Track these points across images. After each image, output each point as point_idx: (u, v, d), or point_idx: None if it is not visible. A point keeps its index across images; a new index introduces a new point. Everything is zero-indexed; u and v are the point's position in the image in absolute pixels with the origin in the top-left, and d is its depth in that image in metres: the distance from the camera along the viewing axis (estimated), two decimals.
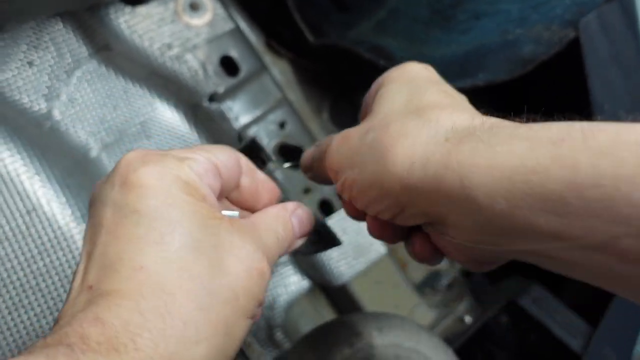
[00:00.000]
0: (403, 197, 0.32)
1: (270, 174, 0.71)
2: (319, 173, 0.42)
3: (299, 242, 0.41)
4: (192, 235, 0.29)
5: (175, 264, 0.28)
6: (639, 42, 0.63)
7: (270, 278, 0.33)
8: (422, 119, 0.33)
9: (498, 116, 0.36)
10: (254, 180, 0.40)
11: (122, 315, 0.26)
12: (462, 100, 0.38)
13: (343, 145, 0.37)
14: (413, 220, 0.34)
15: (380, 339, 0.53)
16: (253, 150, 0.53)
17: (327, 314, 0.83)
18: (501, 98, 0.93)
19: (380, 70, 0.71)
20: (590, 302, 0.74)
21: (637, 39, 0.63)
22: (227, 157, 0.36)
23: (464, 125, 0.31)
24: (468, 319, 0.78)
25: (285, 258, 0.78)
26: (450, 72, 0.71)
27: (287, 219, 0.38)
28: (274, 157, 0.51)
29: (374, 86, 0.41)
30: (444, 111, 0.33)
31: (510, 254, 0.31)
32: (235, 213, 0.36)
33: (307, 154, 0.44)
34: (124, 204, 0.29)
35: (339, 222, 0.74)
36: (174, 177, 0.30)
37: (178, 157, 0.32)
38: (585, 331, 0.69)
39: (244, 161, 0.39)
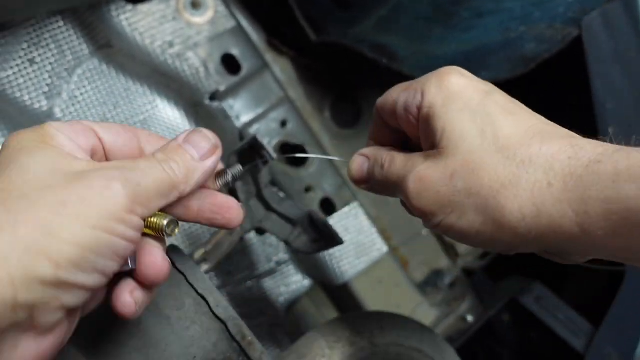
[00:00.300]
0: (515, 243, 0.35)
1: (271, 171, 0.71)
2: (379, 190, 0.44)
3: (210, 163, 0.38)
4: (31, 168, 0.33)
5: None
6: None
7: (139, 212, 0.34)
8: (510, 161, 0.34)
9: None
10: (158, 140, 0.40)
11: None
12: (530, 115, 0.38)
13: (426, 190, 0.37)
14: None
15: (382, 338, 0.52)
16: (254, 148, 0.53)
17: (328, 313, 0.82)
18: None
19: (382, 69, 0.71)
20: (593, 301, 0.74)
21: (639, 37, 0.62)
22: (111, 127, 0.38)
23: (561, 161, 0.33)
24: (470, 317, 0.78)
25: (286, 257, 0.78)
26: None
27: (173, 151, 0.37)
28: (275, 155, 0.51)
29: (415, 108, 0.39)
30: (530, 146, 0.34)
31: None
32: None
33: (359, 166, 0.44)
34: None
35: (341, 221, 0.74)
36: (31, 133, 0.35)
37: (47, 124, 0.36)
38: (587, 330, 0.69)
39: (144, 133, 0.40)
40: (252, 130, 0.71)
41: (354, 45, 0.69)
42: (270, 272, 0.78)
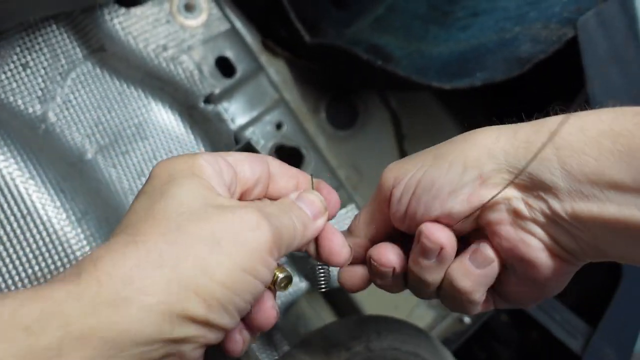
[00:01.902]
0: (489, 164, 0.35)
1: None
2: (379, 222, 0.44)
3: (320, 222, 0.42)
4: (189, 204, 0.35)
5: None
6: (638, 41, 0.62)
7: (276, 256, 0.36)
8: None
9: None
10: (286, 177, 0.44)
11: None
12: None
13: (402, 162, 0.41)
14: (490, 193, 0.35)
15: (379, 343, 0.52)
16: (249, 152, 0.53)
17: (325, 316, 0.82)
18: (499, 97, 0.92)
19: (377, 70, 0.71)
20: (590, 302, 0.73)
21: (636, 37, 0.62)
22: (245, 158, 0.41)
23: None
24: (467, 319, 0.78)
25: (283, 260, 0.77)
26: (448, 71, 0.71)
27: (290, 205, 0.40)
28: None
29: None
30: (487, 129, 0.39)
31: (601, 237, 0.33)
32: None
33: (356, 223, 0.47)
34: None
35: (338, 223, 0.74)
36: (181, 164, 0.37)
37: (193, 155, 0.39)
38: (584, 331, 0.68)
39: (275, 165, 0.43)
40: (247, 132, 0.71)
41: (348, 46, 0.69)
42: None
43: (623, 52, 0.62)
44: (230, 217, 0.34)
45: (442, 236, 0.37)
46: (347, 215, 0.74)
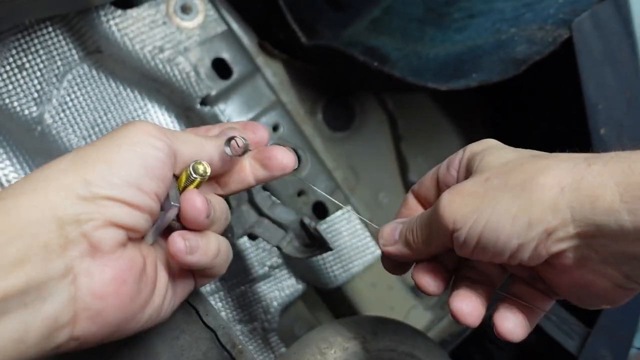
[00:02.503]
0: (552, 224, 0.34)
1: None
2: (422, 246, 0.42)
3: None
4: None
5: None
6: (632, 42, 0.63)
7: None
8: (545, 158, 0.36)
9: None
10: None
11: None
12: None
13: (459, 194, 0.37)
14: (557, 247, 0.35)
15: (375, 343, 0.52)
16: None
17: (323, 318, 0.82)
18: (494, 98, 0.92)
19: (373, 72, 0.71)
20: None
21: (630, 38, 0.62)
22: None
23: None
24: None
25: (280, 262, 0.77)
26: (444, 72, 0.71)
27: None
28: None
29: (457, 159, 0.44)
30: (554, 156, 0.37)
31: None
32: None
33: (391, 230, 0.44)
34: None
35: (334, 225, 0.74)
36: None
37: None
38: (581, 332, 0.68)
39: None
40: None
41: (345, 48, 0.69)
42: (264, 277, 0.78)
43: (618, 54, 0.62)
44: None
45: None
46: (344, 217, 0.74)
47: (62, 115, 0.70)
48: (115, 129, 0.38)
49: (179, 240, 0.37)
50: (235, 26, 0.74)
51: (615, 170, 0.32)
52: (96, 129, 0.71)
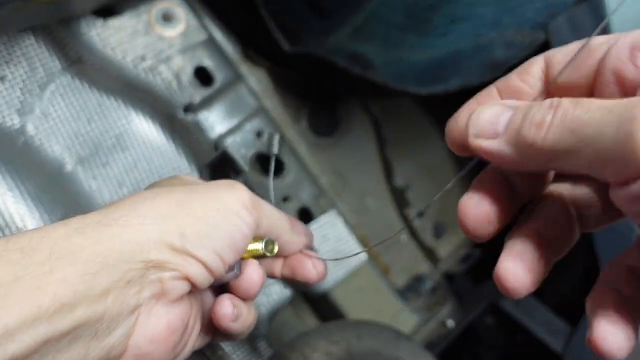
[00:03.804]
0: None
1: (246, 183, 0.70)
2: (545, 155, 0.27)
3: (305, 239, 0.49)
4: None
5: None
6: None
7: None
8: None
9: None
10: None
11: None
12: None
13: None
14: None
15: (359, 347, 0.52)
16: (227, 162, 0.53)
17: (310, 323, 0.82)
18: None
19: (356, 78, 0.72)
20: (570, 302, 0.74)
21: None
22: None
23: None
24: (450, 322, 0.78)
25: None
26: (425, 77, 0.72)
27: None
28: (247, 168, 0.51)
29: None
30: None
31: None
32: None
33: (491, 118, 0.30)
34: None
35: (319, 229, 0.74)
36: None
37: None
38: (566, 331, 0.69)
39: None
40: (228, 142, 0.71)
41: (327, 55, 0.70)
42: None
43: None
44: (207, 183, 0.40)
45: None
46: (329, 221, 0.74)
47: (45, 125, 0.70)
48: (214, 184, 0.39)
49: (228, 305, 0.39)
50: (217, 34, 0.75)
51: None
52: (80, 138, 0.72)
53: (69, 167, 0.70)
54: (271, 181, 0.52)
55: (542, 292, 0.79)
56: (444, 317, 0.79)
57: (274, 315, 0.79)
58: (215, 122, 0.70)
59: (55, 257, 0.30)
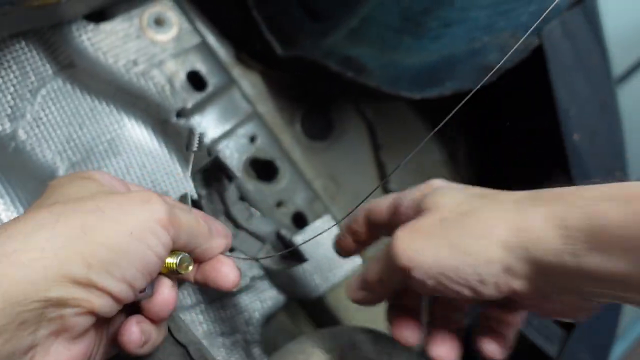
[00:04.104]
0: (510, 257, 0.35)
1: (239, 188, 0.70)
2: (376, 285, 0.45)
3: (221, 242, 0.43)
4: None
5: None
6: (602, 48, 0.64)
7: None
8: (494, 200, 0.39)
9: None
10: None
11: None
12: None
13: (418, 235, 0.39)
14: (515, 282, 0.37)
15: (354, 355, 0.52)
16: (219, 168, 0.52)
17: (305, 328, 0.82)
18: (471, 105, 0.93)
19: (349, 81, 0.71)
20: None
21: (600, 44, 0.63)
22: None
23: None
24: None
25: (261, 273, 0.77)
26: (419, 81, 0.72)
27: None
28: (240, 174, 0.51)
29: (410, 200, 0.45)
30: (502, 196, 0.39)
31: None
32: None
33: (354, 283, 0.49)
34: None
35: (312, 235, 0.74)
36: (71, 175, 0.43)
37: None
38: (560, 336, 0.69)
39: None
40: (221, 146, 0.70)
41: (319, 59, 0.69)
42: (245, 288, 0.77)
43: (588, 60, 0.63)
44: (118, 196, 0.35)
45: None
46: (323, 226, 0.73)
47: (36, 130, 0.69)
48: (127, 200, 0.35)
49: (135, 331, 0.36)
50: (210, 38, 0.74)
51: (555, 213, 0.33)
52: (71, 143, 0.71)
53: (61, 172, 0.70)
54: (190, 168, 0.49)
55: None
56: None
57: (268, 321, 0.79)
58: (208, 126, 0.70)
59: None
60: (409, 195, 0.45)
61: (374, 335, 0.55)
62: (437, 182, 0.46)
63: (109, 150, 0.72)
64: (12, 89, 0.68)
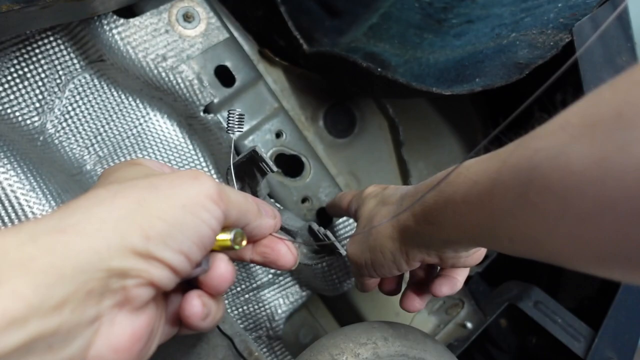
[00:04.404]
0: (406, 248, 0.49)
1: (268, 183, 0.70)
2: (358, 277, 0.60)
3: (272, 222, 0.45)
4: None
5: None
6: (631, 45, 0.63)
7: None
8: (383, 207, 0.53)
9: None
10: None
11: None
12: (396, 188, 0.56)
13: (354, 245, 0.55)
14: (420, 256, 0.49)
15: (386, 349, 0.52)
16: (254, 161, 0.52)
17: (327, 324, 0.82)
18: (493, 101, 0.93)
19: (375, 78, 0.71)
20: (592, 304, 0.74)
21: (630, 42, 0.63)
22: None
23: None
24: (469, 324, 0.78)
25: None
26: (446, 77, 0.71)
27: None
28: (275, 169, 0.51)
29: (354, 201, 0.61)
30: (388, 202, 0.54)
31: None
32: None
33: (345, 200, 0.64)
34: None
35: (339, 231, 0.74)
36: (121, 163, 0.43)
37: None
38: (587, 334, 0.69)
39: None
40: (247, 141, 0.70)
41: (347, 55, 0.69)
42: (269, 284, 0.77)
43: (617, 57, 0.62)
44: (169, 174, 0.37)
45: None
46: (348, 222, 0.74)
47: (64, 124, 0.70)
48: (177, 176, 0.36)
49: (197, 304, 0.37)
50: (237, 34, 0.74)
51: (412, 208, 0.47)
52: (98, 137, 0.71)
53: (89, 166, 0.70)
54: (232, 157, 0.50)
55: (561, 293, 0.79)
56: (462, 319, 0.78)
57: (292, 316, 0.79)
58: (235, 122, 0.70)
59: (6, 268, 0.28)
60: (352, 197, 0.62)
61: (405, 329, 0.55)
62: (369, 190, 0.59)
63: (135, 144, 0.72)
64: (40, 83, 0.68)
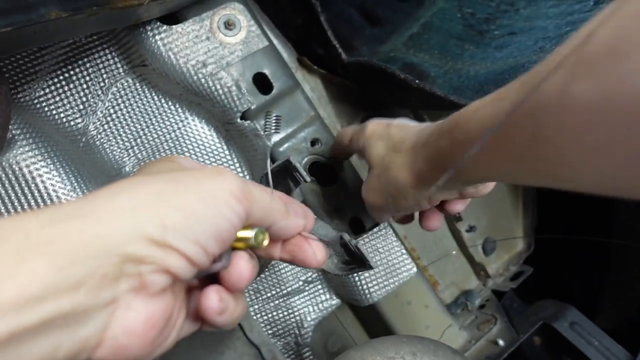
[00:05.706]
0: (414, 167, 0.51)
1: (301, 192, 0.70)
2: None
3: (301, 222, 0.45)
4: None
5: None
6: None
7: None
8: (396, 154, 0.54)
9: None
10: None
11: None
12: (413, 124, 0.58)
13: (370, 192, 0.58)
14: (440, 196, 0.52)
15: None
16: (288, 170, 0.53)
17: (356, 334, 0.82)
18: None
19: (413, 89, 0.71)
20: (629, 326, 0.71)
21: None
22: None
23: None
24: (501, 342, 0.76)
25: (315, 277, 0.77)
26: (486, 91, 0.70)
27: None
28: (309, 178, 0.51)
29: (356, 137, 0.62)
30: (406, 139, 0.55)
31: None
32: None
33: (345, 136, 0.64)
34: None
35: (370, 241, 0.74)
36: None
37: None
38: (624, 358, 0.66)
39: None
40: (282, 149, 0.71)
41: (385, 66, 0.69)
42: (298, 292, 0.77)
43: None
44: (193, 170, 0.37)
45: None
46: (380, 233, 0.73)
47: (105, 127, 0.72)
48: (201, 171, 0.37)
49: (214, 298, 0.37)
50: (276, 41, 0.75)
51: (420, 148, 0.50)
52: (138, 140, 0.73)
53: (128, 168, 0.72)
54: (268, 163, 0.50)
55: (599, 315, 0.76)
56: (494, 336, 0.77)
57: (320, 324, 0.79)
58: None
59: (25, 248, 0.29)
60: (352, 133, 0.63)
61: (434, 344, 0.54)
62: (371, 128, 0.59)
63: (173, 148, 0.74)
64: (85, 86, 0.70)
